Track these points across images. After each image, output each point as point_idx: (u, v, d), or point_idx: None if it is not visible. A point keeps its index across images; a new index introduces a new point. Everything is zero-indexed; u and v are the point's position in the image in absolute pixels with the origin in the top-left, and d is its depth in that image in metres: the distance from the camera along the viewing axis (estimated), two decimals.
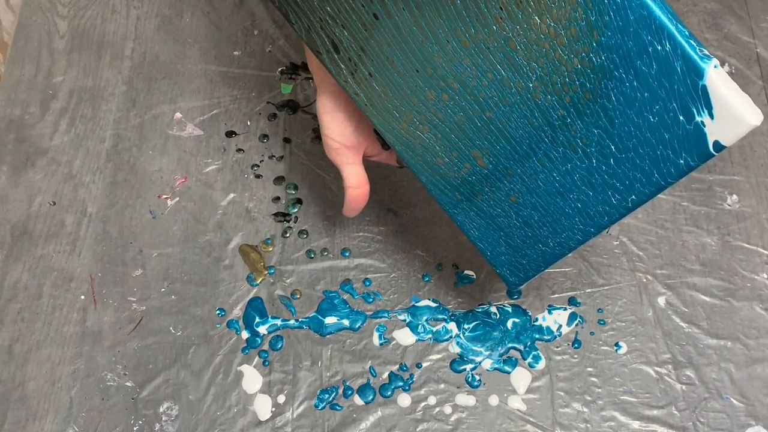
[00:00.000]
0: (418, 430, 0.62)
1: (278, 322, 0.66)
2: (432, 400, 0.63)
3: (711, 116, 0.44)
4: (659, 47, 0.44)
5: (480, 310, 0.66)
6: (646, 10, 0.44)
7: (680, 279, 0.68)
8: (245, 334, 0.66)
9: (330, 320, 0.66)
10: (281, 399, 0.63)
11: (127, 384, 0.64)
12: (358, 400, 0.63)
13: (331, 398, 0.63)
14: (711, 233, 0.70)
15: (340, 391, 0.64)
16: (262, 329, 0.66)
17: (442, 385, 0.64)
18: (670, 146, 0.47)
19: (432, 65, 0.51)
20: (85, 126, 0.75)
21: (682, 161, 0.47)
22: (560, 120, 0.49)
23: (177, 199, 0.71)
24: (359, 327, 0.66)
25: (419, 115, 0.53)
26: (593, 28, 0.46)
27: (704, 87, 0.44)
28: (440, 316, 0.66)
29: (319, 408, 0.63)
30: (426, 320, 0.66)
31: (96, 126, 0.75)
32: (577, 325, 0.66)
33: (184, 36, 0.79)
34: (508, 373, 0.64)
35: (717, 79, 0.44)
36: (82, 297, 0.67)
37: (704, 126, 0.45)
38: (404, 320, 0.66)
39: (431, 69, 0.51)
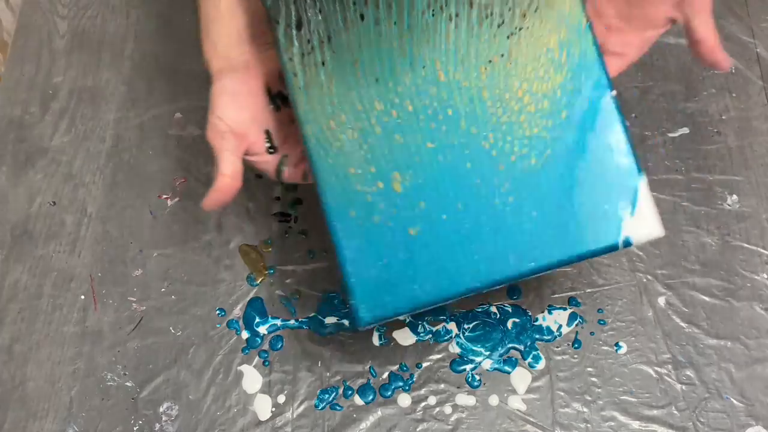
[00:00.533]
0: (418, 430, 0.62)
1: (278, 322, 0.66)
2: (432, 400, 0.63)
3: (631, 214, 0.51)
4: (612, 145, 0.51)
5: (480, 309, 0.66)
6: (612, 114, 0.52)
7: (680, 279, 0.68)
8: (245, 334, 0.66)
9: (330, 320, 0.66)
10: (281, 399, 0.63)
11: (127, 384, 0.64)
12: (358, 400, 0.63)
13: (331, 398, 0.63)
14: (711, 233, 0.70)
15: (340, 391, 0.64)
16: (262, 329, 0.66)
17: (442, 385, 0.64)
18: (586, 228, 0.51)
19: (395, 80, 0.52)
20: (85, 126, 0.75)
21: (591, 244, 0.51)
22: (496, 175, 0.51)
23: (177, 199, 0.71)
24: (357, 328, 0.66)
25: (355, 120, 0.52)
26: (563, 109, 0.52)
27: (636, 189, 0.51)
28: (440, 316, 0.66)
29: (319, 408, 0.63)
30: (426, 320, 0.66)
31: (96, 126, 0.75)
32: (577, 325, 0.66)
33: (184, 36, 0.79)
34: (508, 373, 0.64)
35: (645, 189, 0.51)
36: (82, 297, 0.67)
37: (622, 220, 0.51)
38: (404, 320, 0.66)
39: (392, 83, 0.52)
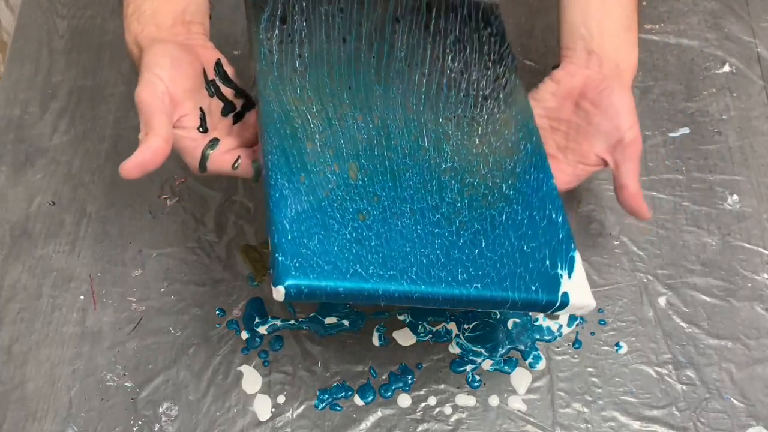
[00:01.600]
0: (418, 430, 0.62)
1: (278, 322, 0.66)
2: (432, 401, 0.63)
3: (569, 276, 0.54)
4: (554, 215, 0.56)
5: (480, 309, 0.66)
6: (553, 193, 0.58)
7: (681, 279, 0.68)
8: (245, 335, 0.65)
9: (330, 320, 0.66)
10: (281, 399, 0.63)
11: (127, 384, 0.64)
12: (358, 401, 0.63)
13: (331, 398, 0.63)
14: (711, 233, 0.70)
15: (341, 391, 0.63)
16: (262, 329, 0.66)
17: (442, 386, 0.64)
18: (530, 273, 0.53)
19: (367, 97, 0.56)
20: (85, 126, 0.75)
21: (534, 288, 0.53)
22: (451, 200, 0.54)
23: (177, 198, 0.71)
24: (359, 327, 0.66)
25: (323, 109, 0.54)
26: (514, 173, 0.58)
27: (572, 257, 0.55)
28: (440, 317, 0.66)
29: (319, 408, 0.63)
30: (426, 320, 0.66)
31: (96, 126, 0.75)
32: (577, 325, 0.66)
33: None
34: (509, 373, 0.64)
35: (579, 262, 0.55)
36: (82, 297, 0.67)
37: (561, 278, 0.54)
38: (404, 320, 0.66)
39: (363, 98, 0.56)
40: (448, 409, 0.63)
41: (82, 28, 0.80)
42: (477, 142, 0.59)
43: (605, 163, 0.60)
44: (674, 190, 0.71)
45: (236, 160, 0.55)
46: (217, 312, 0.66)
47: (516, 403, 0.63)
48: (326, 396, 0.63)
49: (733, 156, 0.73)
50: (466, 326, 0.66)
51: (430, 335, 0.66)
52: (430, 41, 0.62)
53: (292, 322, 0.66)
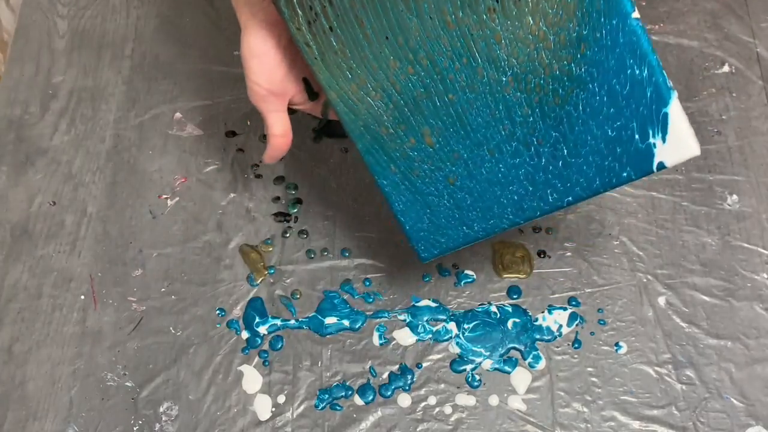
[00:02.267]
0: (418, 430, 0.62)
1: (278, 322, 0.66)
2: (432, 400, 0.63)
3: (663, 140, 0.49)
4: (637, 71, 0.48)
5: (480, 309, 0.66)
6: (636, 36, 0.47)
7: (680, 279, 0.68)
8: (245, 334, 0.66)
9: (330, 320, 0.66)
10: (281, 399, 0.63)
11: (127, 384, 0.64)
12: (358, 400, 0.63)
13: (331, 398, 0.63)
14: (711, 233, 0.70)
15: (341, 391, 0.63)
16: (262, 329, 0.66)
17: (442, 385, 0.64)
18: (618, 159, 0.50)
19: (405, 36, 0.51)
20: (85, 126, 0.75)
21: (625, 174, 0.50)
22: (523, 117, 0.52)
23: (177, 199, 0.71)
24: (359, 327, 0.66)
25: (375, 81, 0.53)
26: (582, 41, 0.49)
27: (666, 114, 0.48)
28: (440, 316, 0.66)
29: (319, 408, 0.63)
30: (426, 320, 0.66)
31: (96, 126, 0.75)
32: (577, 325, 0.66)
33: (184, 36, 0.79)
34: (509, 373, 0.64)
35: (677, 108, 0.48)
36: (82, 297, 0.67)
37: (655, 147, 0.49)
38: (404, 320, 0.66)
39: (403, 40, 0.51)
40: (448, 409, 0.63)
41: (83, 28, 0.80)
42: (531, 21, 0.49)
43: None
44: (674, 190, 0.71)
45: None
46: (218, 312, 0.66)
47: (516, 403, 0.63)
48: (326, 396, 0.63)
49: (733, 156, 0.73)
50: (465, 326, 0.66)
51: (430, 335, 0.66)
52: None
53: (292, 321, 0.66)
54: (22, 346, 0.65)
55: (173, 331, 0.66)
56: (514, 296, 0.67)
